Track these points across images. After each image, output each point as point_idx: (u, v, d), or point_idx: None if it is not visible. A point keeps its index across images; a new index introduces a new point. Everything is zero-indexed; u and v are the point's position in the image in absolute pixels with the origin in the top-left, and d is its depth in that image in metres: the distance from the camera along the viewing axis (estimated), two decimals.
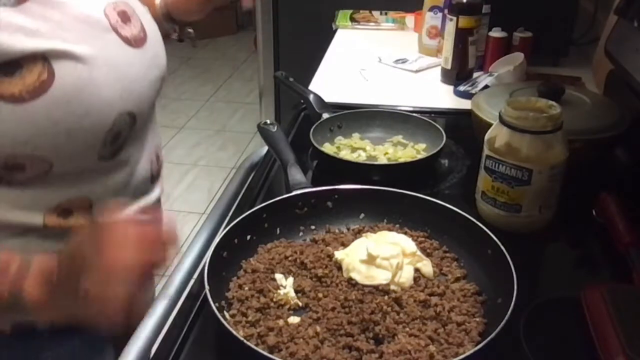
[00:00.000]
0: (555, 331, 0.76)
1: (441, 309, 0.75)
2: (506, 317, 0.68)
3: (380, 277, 0.79)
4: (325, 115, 1.25)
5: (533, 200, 0.91)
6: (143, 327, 0.76)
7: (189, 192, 3.18)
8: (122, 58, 0.75)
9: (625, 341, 0.67)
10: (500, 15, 1.62)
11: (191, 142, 3.70)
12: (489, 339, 0.66)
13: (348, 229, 0.93)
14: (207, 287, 0.72)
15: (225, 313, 0.75)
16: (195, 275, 0.87)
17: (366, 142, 1.21)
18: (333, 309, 0.75)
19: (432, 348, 0.69)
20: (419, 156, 1.15)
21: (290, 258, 0.84)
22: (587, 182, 1.04)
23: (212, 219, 1.00)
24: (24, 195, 0.72)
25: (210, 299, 0.71)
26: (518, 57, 1.54)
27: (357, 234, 0.91)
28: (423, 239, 0.90)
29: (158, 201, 0.96)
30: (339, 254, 0.84)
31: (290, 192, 0.94)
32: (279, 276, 0.81)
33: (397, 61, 1.75)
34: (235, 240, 0.84)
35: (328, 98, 1.34)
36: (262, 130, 1.11)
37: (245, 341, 0.66)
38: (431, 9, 1.77)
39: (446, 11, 1.62)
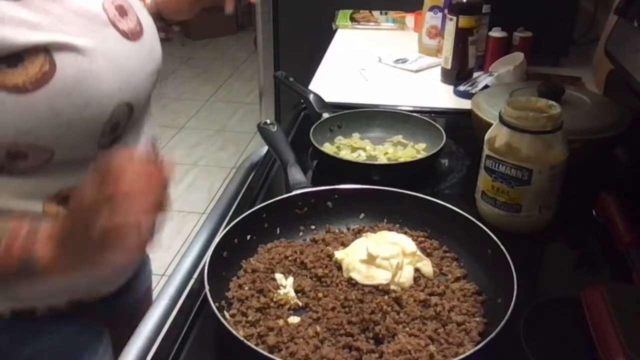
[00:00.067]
0: (555, 331, 0.76)
1: (441, 308, 0.75)
2: (506, 317, 0.68)
3: (380, 277, 0.79)
4: (325, 115, 1.25)
5: (533, 200, 0.91)
6: (143, 327, 0.77)
7: (189, 192, 3.18)
8: (120, 51, 0.77)
9: (625, 341, 0.68)
10: (500, 15, 1.62)
11: (191, 142, 3.70)
12: (489, 338, 0.66)
13: (348, 229, 0.93)
14: (207, 287, 0.72)
15: (225, 313, 0.75)
16: (195, 275, 0.87)
17: (366, 142, 1.21)
18: (333, 308, 0.75)
19: (432, 348, 0.69)
20: (419, 156, 1.15)
21: (290, 258, 0.84)
22: (587, 182, 1.04)
23: (212, 219, 1.01)
24: (25, 184, 0.73)
25: (210, 299, 0.71)
26: (518, 57, 1.54)
27: (357, 233, 0.91)
28: (423, 239, 0.90)
29: None
30: (339, 254, 0.84)
31: (290, 192, 0.94)
32: (279, 276, 0.81)
33: (397, 61, 1.75)
34: (235, 240, 0.84)
35: (328, 98, 1.34)
36: (262, 130, 1.11)
37: (245, 341, 0.66)
38: (431, 8, 1.77)
39: (446, 11, 1.62)
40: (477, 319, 0.74)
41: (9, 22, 0.64)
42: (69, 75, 0.68)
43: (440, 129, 1.17)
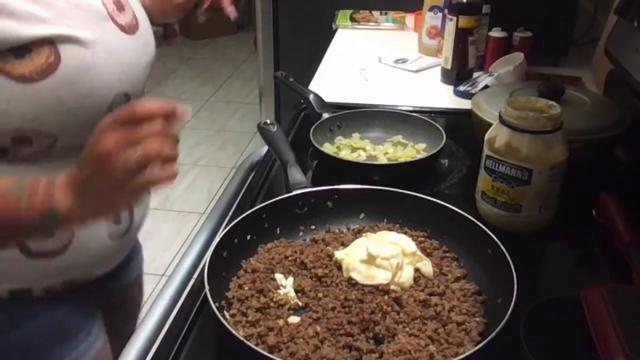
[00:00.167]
0: (555, 331, 0.76)
1: (441, 308, 0.75)
2: (506, 317, 0.68)
3: (380, 277, 0.79)
4: (325, 115, 1.25)
5: (533, 200, 0.91)
6: (143, 327, 0.77)
7: (189, 192, 3.18)
8: (119, 44, 0.81)
9: (625, 341, 0.68)
10: (500, 15, 1.62)
11: (191, 142, 3.69)
12: (489, 338, 0.66)
13: (348, 229, 0.93)
14: (207, 287, 0.72)
15: (225, 313, 0.75)
16: (195, 275, 0.87)
17: (366, 142, 1.21)
18: (333, 308, 0.75)
19: (432, 348, 0.69)
20: (419, 156, 1.15)
21: (290, 258, 0.84)
22: (587, 182, 1.04)
23: (212, 219, 1.01)
24: (27, 172, 0.75)
25: (210, 299, 0.71)
26: (518, 57, 1.54)
27: (357, 233, 0.91)
28: (423, 239, 0.90)
29: None
30: (339, 254, 0.84)
31: (290, 192, 0.94)
32: (279, 276, 0.81)
33: (397, 61, 1.75)
34: (235, 240, 0.84)
35: (328, 98, 1.34)
36: (262, 130, 1.11)
37: (245, 341, 0.66)
38: (431, 9, 1.77)
39: (446, 11, 1.62)
40: (477, 319, 0.74)
41: (18, 16, 0.67)
42: (73, 66, 0.72)
43: (440, 129, 1.17)
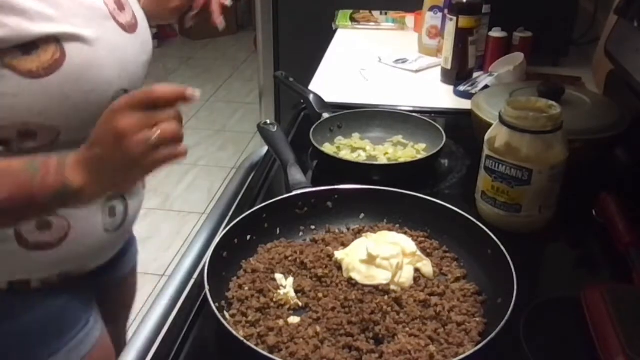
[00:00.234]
0: (555, 331, 0.76)
1: (441, 309, 0.75)
2: (506, 317, 0.68)
3: (380, 277, 0.79)
4: (325, 115, 1.25)
5: (533, 200, 0.91)
6: (143, 327, 0.77)
7: (189, 192, 3.18)
8: (120, 42, 0.83)
9: (625, 341, 0.68)
10: (500, 15, 1.62)
11: (191, 142, 3.69)
12: (489, 339, 0.66)
13: (348, 229, 0.93)
14: (207, 287, 0.72)
15: (225, 313, 0.75)
16: (195, 275, 0.87)
17: (366, 142, 1.21)
18: (333, 309, 0.75)
19: (432, 348, 0.69)
20: (419, 156, 1.15)
21: (290, 258, 0.84)
22: (587, 182, 1.04)
23: (212, 219, 1.01)
24: None
25: (210, 299, 0.71)
26: (518, 57, 1.54)
27: (357, 234, 0.91)
28: (423, 239, 0.90)
29: None
30: (339, 254, 0.84)
31: (290, 192, 0.94)
32: (279, 276, 0.81)
33: (397, 61, 1.75)
34: (235, 240, 0.84)
35: (328, 98, 1.34)
36: (262, 130, 1.11)
37: (245, 341, 0.66)
38: (431, 9, 1.77)
39: (446, 11, 1.62)
40: (477, 319, 0.74)
41: (27, 14, 0.71)
42: (77, 63, 0.75)
43: (440, 129, 1.17)
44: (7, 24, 0.69)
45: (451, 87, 1.57)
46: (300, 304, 0.77)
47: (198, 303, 0.80)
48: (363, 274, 0.80)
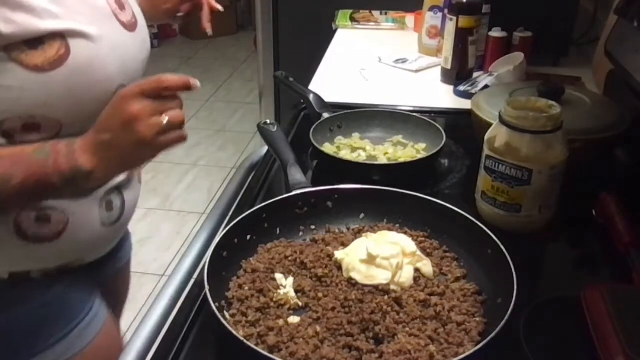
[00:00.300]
0: (555, 331, 0.76)
1: (441, 308, 0.75)
2: (506, 317, 0.68)
3: (380, 277, 0.79)
4: (325, 115, 1.25)
5: (533, 200, 0.91)
6: (143, 327, 0.76)
7: (189, 192, 3.18)
8: (121, 40, 0.86)
9: (625, 341, 0.68)
10: (500, 15, 1.62)
11: (191, 142, 3.69)
12: (489, 338, 0.66)
13: (348, 229, 0.93)
14: (207, 287, 0.72)
15: (225, 313, 0.75)
16: (195, 275, 0.87)
17: (366, 142, 1.21)
18: (333, 308, 0.75)
19: (432, 348, 0.69)
20: (419, 156, 1.15)
21: (290, 258, 0.84)
22: (587, 182, 1.04)
23: (212, 219, 1.01)
24: None
25: (210, 299, 0.71)
26: (518, 57, 1.54)
27: (357, 233, 0.91)
28: (423, 239, 0.90)
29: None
30: (339, 254, 0.84)
31: (290, 192, 0.94)
32: (279, 276, 0.82)
33: (397, 61, 1.75)
34: (235, 240, 0.84)
35: (328, 98, 1.34)
36: (262, 130, 1.11)
37: (245, 341, 0.66)
38: (431, 8, 1.77)
39: (446, 11, 1.62)
40: (477, 319, 0.74)
41: (35, 11, 0.74)
42: (81, 59, 0.78)
43: (440, 129, 1.17)
44: (15, 20, 0.72)
45: (451, 87, 1.57)
46: (300, 303, 0.77)
47: (198, 303, 0.80)
48: (363, 274, 0.80)
